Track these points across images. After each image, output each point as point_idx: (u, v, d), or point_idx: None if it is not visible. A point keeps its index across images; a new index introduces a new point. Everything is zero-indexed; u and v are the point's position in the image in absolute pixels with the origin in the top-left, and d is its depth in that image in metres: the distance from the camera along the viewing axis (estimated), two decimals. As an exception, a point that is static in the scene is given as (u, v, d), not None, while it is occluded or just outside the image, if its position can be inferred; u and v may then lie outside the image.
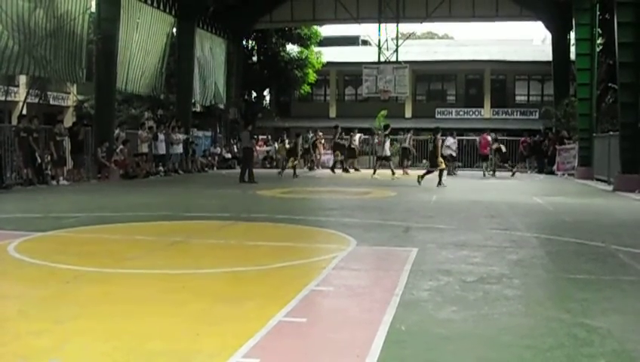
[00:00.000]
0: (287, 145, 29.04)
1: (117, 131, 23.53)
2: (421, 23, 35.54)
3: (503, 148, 27.96)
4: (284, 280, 6.27)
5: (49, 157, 19.37)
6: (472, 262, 7.16)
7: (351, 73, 46.40)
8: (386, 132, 26.18)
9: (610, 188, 19.05)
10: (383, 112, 37.00)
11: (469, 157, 33.34)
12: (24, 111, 25.65)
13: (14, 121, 22.50)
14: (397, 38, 34.20)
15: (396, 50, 33.76)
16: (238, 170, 23.82)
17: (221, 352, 4.02)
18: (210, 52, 32.14)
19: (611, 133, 21.72)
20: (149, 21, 26.15)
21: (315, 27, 40.34)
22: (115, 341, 4.27)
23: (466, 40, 60.87)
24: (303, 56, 40.41)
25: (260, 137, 36.28)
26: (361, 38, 51.39)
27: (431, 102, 48.28)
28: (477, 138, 29.76)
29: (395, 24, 33.74)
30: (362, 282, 6.30)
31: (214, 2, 30.61)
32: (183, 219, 11.33)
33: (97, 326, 4.65)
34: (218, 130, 34.72)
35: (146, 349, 4.14)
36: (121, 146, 22.65)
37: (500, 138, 29.38)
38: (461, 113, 46.60)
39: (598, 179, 22.24)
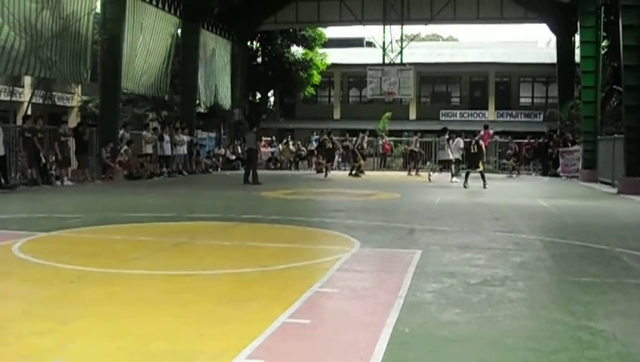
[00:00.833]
0: (292, 146, 29.13)
1: (121, 132, 23.54)
2: (426, 24, 35.51)
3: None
4: (288, 281, 6.27)
5: (53, 158, 19.40)
6: (476, 265, 7.15)
7: (355, 75, 46.41)
8: (447, 136, 25.12)
9: (615, 190, 19.01)
10: (388, 114, 37.01)
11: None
12: (29, 112, 25.70)
13: (19, 122, 22.54)
14: (401, 40, 34.22)
15: (401, 52, 33.78)
16: (242, 171, 23.82)
17: (225, 353, 4.03)
18: (215, 53, 32.15)
19: (616, 135, 21.67)
20: (153, 22, 26.17)
21: (320, 29, 40.33)
22: (119, 341, 4.27)
23: (471, 42, 60.91)
24: (308, 58, 40.41)
25: (264, 139, 36.32)
26: (366, 39, 51.36)
27: (435, 104, 48.28)
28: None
29: (400, 26, 33.76)
30: (366, 284, 6.29)
31: (219, 3, 30.62)
32: (187, 220, 11.34)
33: (101, 327, 4.65)
34: (222, 132, 34.75)
35: (149, 350, 4.15)
36: (126, 147, 22.67)
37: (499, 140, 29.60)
38: (465, 115, 46.56)
39: (602, 182, 22.19)
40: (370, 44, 48.68)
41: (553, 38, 33.74)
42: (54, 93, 30.97)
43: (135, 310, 5.14)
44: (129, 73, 24.52)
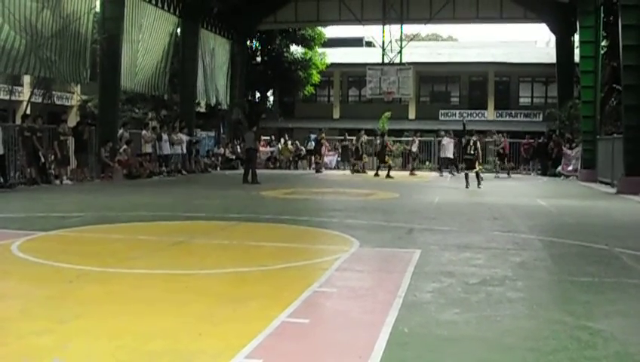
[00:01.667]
0: (291, 146, 29.15)
1: (121, 131, 23.55)
2: (425, 24, 35.47)
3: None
4: (287, 281, 6.27)
5: (53, 157, 19.39)
6: (475, 264, 7.16)
7: (355, 74, 46.39)
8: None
9: (614, 190, 19.03)
10: (387, 114, 37.00)
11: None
12: (28, 111, 25.69)
13: (18, 121, 22.54)
14: (401, 40, 34.19)
15: (400, 52, 33.76)
16: (241, 170, 23.82)
17: (224, 352, 4.03)
18: (214, 52, 32.14)
19: (615, 135, 21.69)
20: (152, 21, 26.15)
21: (319, 28, 40.31)
22: (118, 340, 4.27)
23: (470, 42, 60.87)
24: (307, 57, 40.41)
25: (263, 138, 36.34)
26: (365, 39, 51.37)
27: (434, 103, 48.26)
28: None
29: (399, 25, 33.74)
30: (365, 283, 6.29)
31: (218, 3, 30.60)
32: (186, 220, 11.33)
33: (100, 326, 4.65)
34: (222, 131, 34.74)
35: (148, 349, 4.15)
36: (125, 146, 22.67)
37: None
38: (465, 115, 46.51)
39: (601, 182, 22.20)
40: (369, 44, 48.70)
41: (552, 37, 33.76)
42: (54, 92, 30.94)
43: (134, 309, 5.14)
44: (128, 72, 24.51)
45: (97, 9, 23.01)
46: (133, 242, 8.72)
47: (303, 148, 33.82)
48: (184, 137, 26.20)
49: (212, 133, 33.66)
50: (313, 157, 31.69)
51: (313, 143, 32.40)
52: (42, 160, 18.70)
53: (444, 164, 28.85)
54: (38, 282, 6.14)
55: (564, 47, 31.34)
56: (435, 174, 28.55)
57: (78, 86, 32.55)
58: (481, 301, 5.52)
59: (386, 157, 27.76)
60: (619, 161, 19.34)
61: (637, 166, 18.08)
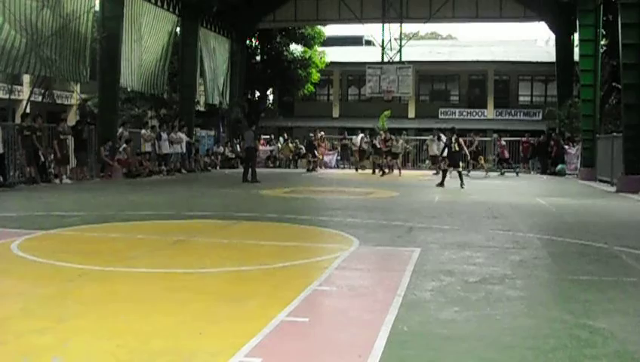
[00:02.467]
0: (291, 144, 29.16)
1: (120, 130, 23.55)
2: (425, 23, 35.46)
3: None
4: (286, 279, 6.28)
5: (52, 156, 19.39)
6: (475, 263, 7.16)
7: (354, 73, 46.40)
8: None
9: (613, 189, 19.03)
10: (387, 112, 37.00)
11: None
12: (28, 110, 25.67)
13: (18, 120, 22.52)
14: (400, 39, 34.21)
15: (400, 51, 33.78)
16: (241, 169, 23.82)
17: (223, 351, 4.03)
18: (214, 51, 32.12)
19: (614, 134, 21.70)
20: (152, 20, 26.14)
21: (319, 27, 40.31)
22: (118, 339, 4.28)
23: (470, 40, 60.96)
24: (307, 56, 40.39)
25: (263, 137, 36.35)
26: (365, 38, 51.38)
27: (434, 102, 48.26)
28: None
29: (399, 24, 33.74)
30: (365, 282, 6.30)
31: (218, 2, 30.58)
32: (186, 218, 11.32)
33: (100, 325, 4.66)
34: (221, 130, 34.73)
35: (148, 348, 4.15)
36: (125, 145, 22.67)
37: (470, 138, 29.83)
38: (464, 113, 46.58)
39: (601, 180, 22.21)
40: (369, 43, 48.71)
41: (552, 36, 33.75)
42: (54, 91, 30.92)
43: (134, 308, 5.15)
44: (127, 71, 24.50)
45: (97, 8, 22.98)
46: (133, 241, 8.72)
47: (303, 147, 33.82)
48: (184, 136, 26.20)
49: (212, 132, 33.65)
50: (305, 158, 31.77)
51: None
52: (42, 159, 18.70)
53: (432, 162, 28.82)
54: (38, 281, 6.15)
55: (563, 45, 31.34)
56: (431, 173, 28.53)
57: (78, 85, 32.53)
58: (481, 299, 5.53)
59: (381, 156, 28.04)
60: (618, 159, 19.35)
61: (636, 164, 18.10)
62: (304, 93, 43.28)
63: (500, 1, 32.47)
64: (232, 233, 9.66)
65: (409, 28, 38.73)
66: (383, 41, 34.24)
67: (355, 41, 52.45)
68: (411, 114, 46.66)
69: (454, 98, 49.02)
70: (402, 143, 29.95)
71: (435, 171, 27.90)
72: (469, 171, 26.63)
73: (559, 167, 28.00)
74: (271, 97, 47.49)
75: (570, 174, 26.89)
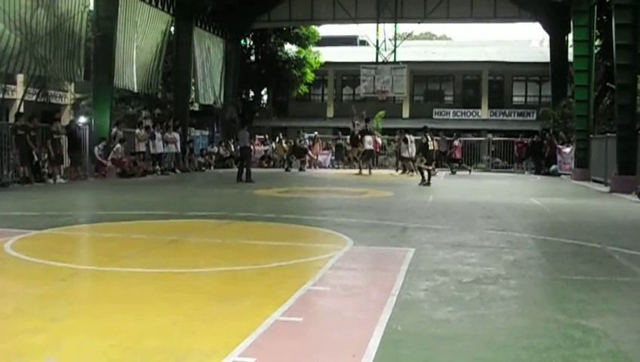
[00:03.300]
0: (285, 144, 29.14)
1: (114, 130, 23.50)
2: (419, 23, 35.49)
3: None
4: (280, 279, 6.27)
5: (46, 155, 19.34)
6: (469, 263, 7.16)
7: (349, 73, 46.34)
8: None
9: (607, 189, 19.06)
10: (381, 113, 37.03)
11: (467, 157, 33.51)
12: (21, 109, 25.58)
13: (12, 119, 22.45)
14: (395, 39, 34.24)
15: (394, 51, 33.80)
16: (235, 169, 23.80)
17: (217, 351, 4.02)
18: (208, 51, 32.09)
19: (608, 134, 21.75)
20: (146, 19, 26.11)
21: (313, 27, 40.32)
22: (111, 339, 4.26)
23: (464, 41, 60.94)
24: (301, 56, 40.40)
25: (258, 137, 36.33)
26: (359, 38, 51.40)
27: (428, 102, 48.27)
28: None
29: (393, 24, 33.76)
30: (359, 282, 6.30)
31: (213, 1, 30.56)
32: (180, 218, 11.30)
33: (93, 324, 4.64)
34: (215, 130, 34.69)
35: (142, 347, 4.14)
36: (119, 145, 22.62)
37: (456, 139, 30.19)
38: (459, 114, 46.62)
39: (594, 181, 22.25)
40: (363, 43, 48.69)
41: (546, 36, 33.85)
42: (48, 90, 30.83)
43: (127, 308, 5.13)
44: (122, 70, 24.46)
45: (91, 7, 22.93)
46: (127, 241, 8.70)
47: (304, 142, 33.77)
48: (178, 136, 26.17)
49: (206, 132, 33.61)
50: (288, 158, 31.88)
51: (307, 142, 32.50)
52: (36, 158, 18.66)
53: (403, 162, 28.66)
54: (31, 280, 6.13)
55: (557, 46, 31.40)
56: (398, 172, 28.51)
57: (72, 84, 32.45)
58: (475, 299, 5.53)
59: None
60: (612, 159, 19.39)
61: (630, 165, 18.13)
62: (298, 93, 43.29)
63: (494, 2, 32.49)
64: (226, 233, 9.64)
65: (403, 28, 38.74)
66: (377, 41, 34.27)
67: (350, 41, 52.44)
68: (405, 114, 46.65)
69: (448, 98, 49.04)
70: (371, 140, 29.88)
71: (401, 171, 27.90)
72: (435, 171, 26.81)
73: (553, 167, 28.06)
74: (265, 97, 47.45)
75: (563, 174, 26.92)
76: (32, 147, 18.30)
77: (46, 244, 8.35)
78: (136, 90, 27.36)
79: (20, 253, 7.39)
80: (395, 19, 33.24)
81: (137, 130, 24.57)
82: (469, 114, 46.48)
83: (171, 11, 28.06)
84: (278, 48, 39.98)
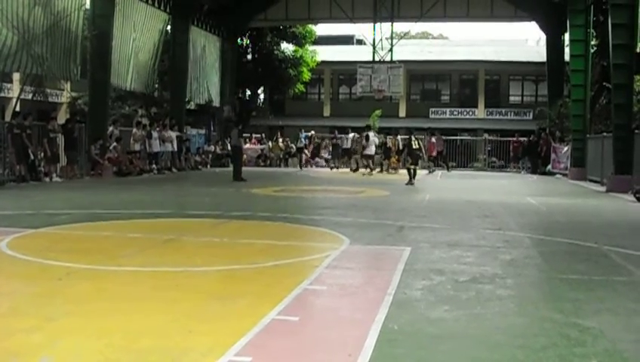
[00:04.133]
0: (282, 143, 29.13)
1: (111, 128, 23.46)
2: (416, 22, 35.43)
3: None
4: (277, 278, 6.26)
5: (42, 154, 19.29)
6: (465, 262, 7.17)
7: (345, 72, 46.31)
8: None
9: (603, 189, 19.11)
10: (378, 112, 37.01)
11: (464, 156, 33.57)
12: (18, 108, 25.56)
13: (8, 118, 22.42)
14: (391, 38, 34.17)
15: (391, 50, 33.74)
16: (231, 168, 23.79)
17: (213, 350, 4.02)
18: (205, 50, 32.05)
19: (605, 134, 21.78)
20: (142, 18, 26.07)
21: (310, 26, 40.26)
22: (107, 338, 4.26)
23: (461, 40, 60.98)
24: (298, 55, 40.34)
25: (254, 136, 36.27)
26: (356, 37, 51.33)
27: (425, 101, 48.29)
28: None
29: (390, 23, 33.73)
30: (355, 281, 6.30)
31: (209, 0, 30.52)
32: (176, 217, 11.30)
33: (89, 324, 4.63)
34: (212, 128, 34.64)
35: (138, 346, 4.13)
36: (115, 143, 22.59)
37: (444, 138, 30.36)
38: (455, 113, 46.66)
39: (591, 180, 22.30)
40: (360, 42, 48.66)
41: (543, 36, 33.80)
42: (44, 89, 30.81)
43: (123, 307, 5.13)
44: (118, 69, 24.42)
45: (88, 6, 22.89)
46: (123, 240, 8.69)
47: (294, 146, 33.79)
48: (174, 134, 26.14)
49: (202, 131, 33.58)
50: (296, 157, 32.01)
51: (303, 141, 32.51)
52: (32, 157, 18.61)
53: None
54: (27, 279, 6.12)
55: (554, 45, 31.38)
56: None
57: (68, 83, 32.43)
58: (471, 298, 5.53)
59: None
60: (608, 159, 19.44)
61: (626, 164, 18.17)
62: (295, 92, 43.26)
63: (490, 1, 32.43)
64: (222, 232, 9.63)
65: (400, 27, 38.78)
66: (374, 40, 34.19)
67: (347, 40, 52.42)
68: (402, 113, 46.66)
69: (445, 97, 49.07)
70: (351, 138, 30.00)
71: (370, 169, 27.86)
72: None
73: (549, 166, 28.10)
74: (262, 96, 47.41)
75: (557, 173, 26.93)
76: (28, 145, 18.26)
77: (42, 243, 8.33)
78: (132, 89, 27.33)
79: (16, 251, 7.38)
80: (392, 18, 33.18)
81: (134, 130, 24.53)
82: (465, 113, 46.53)
83: (168, 10, 28.02)
84: (275, 47, 39.91)
